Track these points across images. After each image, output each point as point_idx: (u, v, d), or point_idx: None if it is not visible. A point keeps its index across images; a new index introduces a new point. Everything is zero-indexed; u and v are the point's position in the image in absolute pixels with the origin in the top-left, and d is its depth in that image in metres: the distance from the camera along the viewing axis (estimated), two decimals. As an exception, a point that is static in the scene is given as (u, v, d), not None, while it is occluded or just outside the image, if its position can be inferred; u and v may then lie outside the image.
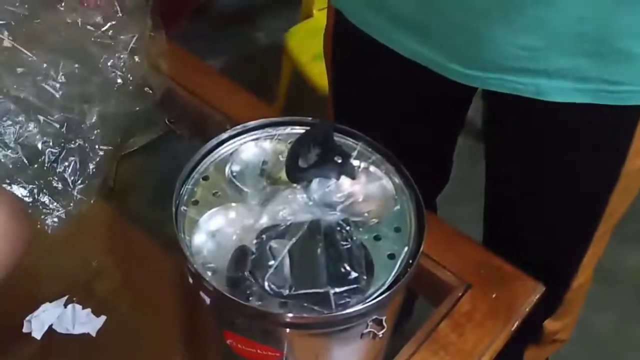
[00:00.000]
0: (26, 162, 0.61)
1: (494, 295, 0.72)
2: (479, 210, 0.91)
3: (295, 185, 0.59)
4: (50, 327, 0.69)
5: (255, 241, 0.55)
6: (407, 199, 0.62)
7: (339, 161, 0.60)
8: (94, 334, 0.69)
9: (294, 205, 0.57)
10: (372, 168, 0.63)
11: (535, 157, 0.76)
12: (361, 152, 0.63)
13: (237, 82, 0.88)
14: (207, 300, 0.57)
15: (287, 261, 0.55)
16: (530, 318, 0.72)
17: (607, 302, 1.37)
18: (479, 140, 1.61)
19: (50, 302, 0.70)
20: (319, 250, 0.55)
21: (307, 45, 1.48)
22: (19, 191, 0.61)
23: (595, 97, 0.65)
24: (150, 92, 0.69)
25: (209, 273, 0.56)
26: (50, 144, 0.61)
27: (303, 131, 0.64)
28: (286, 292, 0.54)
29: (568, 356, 1.06)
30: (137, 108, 0.67)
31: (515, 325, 0.71)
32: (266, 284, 0.54)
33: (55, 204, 0.62)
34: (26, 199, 0.61)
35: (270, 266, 0.54)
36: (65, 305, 0.70)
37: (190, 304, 0.63)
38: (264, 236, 0.55)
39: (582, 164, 0.73)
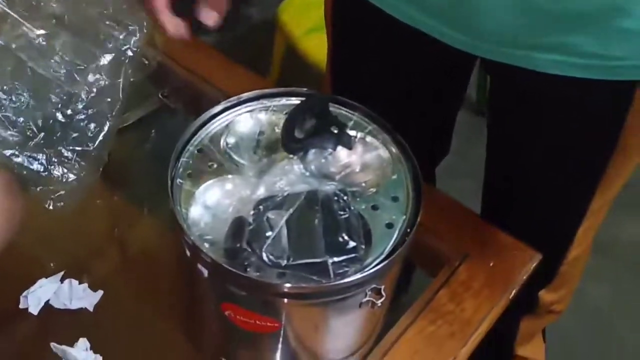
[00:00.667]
0: (36, 130, 0.60)
1: (491, 264, 0.72)
2: (476, 184, 0.91)
3: (291, 156, 0.59)
4: (47, 302, 0.69)
5: (252, 212, 0.55)
6: (404, 168, 0.61)
7: (335, 131, 0.59)
8: (91, 309, 0.69)
9: (291, 176, 0.56)
10: (368, 138, 0.63)
11: (532, 128, 0.76)
12: (357, 122, 0.63)
13: (231, 58, 0.87)
14: (205, 273, 0.57)
15: (284, 232, 0.54)
16: (525, 288, 0.72)
17: (603, 273, 1.38)
18: (476, 115, 1.62)
19: (47, 277, 0.70)
20: (316, 221, 0.55)
21: (301, 18, 1.46)
22: (29, 161, 0.61)
23: (591, 72, 0.65)
24: (147, 62, 0.68)
25: (206, 245, 0.56)
26: (59, 116, 0.61)
27: (298, 102, 0.63)
28: (284, 262, 0.54)
29: (564, 326, 1.07)
30: (132, 79, 0.66)
31: (513, 294, 0.71)
32: (264, 254, 0.54)
33: (66, 173, 0.61)
34: (38, 168, 0.61)
35: (268, 237, 0.54)
36: (62, 281, 0.69)
37: (188, 276, 0.63)
38: (261, 207, 0.55)
39: (578, 136, 0.73)
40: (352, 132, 0.61)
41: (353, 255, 0.54)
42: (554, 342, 1.10)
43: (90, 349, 0.65)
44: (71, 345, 0.65)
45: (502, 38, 0.65)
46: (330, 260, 0.54)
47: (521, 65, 0.67)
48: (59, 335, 0.66)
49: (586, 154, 0.74)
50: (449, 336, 0.67)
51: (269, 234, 0.54)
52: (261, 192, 0.56)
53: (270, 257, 0.54)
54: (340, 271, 0.54)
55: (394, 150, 0.63)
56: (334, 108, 0.64)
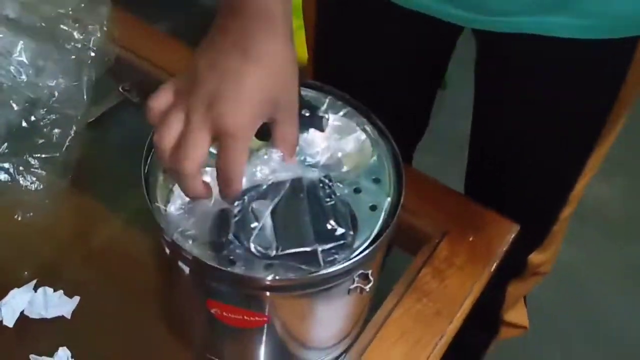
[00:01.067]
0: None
1: (470, 239, 0.72)
2: (441, 157, 0.91)
3: (267, 142, 0.58)
4: (21, 313, 0.66)
5: (236, 204, 0.53)
6: (383, 149, 0.61)
7: (307, 114, 0.58)
8: (68, 317, 0.66)
9: (271, 164, 0.55)
10: (344, 121, 0.61)
11: (528, 90, 0.75)
12: (332, 105, 0.62)
13: (187, 44, 0.84)
14: (186, 270, 0.56)
15: (269, 222, 0.53)
16: (515, 254, 0.72)
17: (575, 233, 1.40)
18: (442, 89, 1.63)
19: (19, 287, 0.67)
20: (302, 209, 0.53)
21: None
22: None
23: (595, 32, 0.64)
24: (107, 58, 0.66)
25: (190, 241, 0.54)
26: (23, 123, 0.58)
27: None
28: (273, 253, 0.52)
29: (539, 286, 1.07)
30: (89, 77, 0.63)
31: (494, 266, 0.71)
32: (252, 246, 0.52)
33: (34, 182, 0.59)
34: (5, 177, 0.58)
35: (254, 228, 0.53)
36: (35, 290, 0.67)
37: (169, 276, 0.61)
38: (245, 198, 0.53)
39: (577, 95, 0.73)
40: (327, 116, 0.60)
41: (342, 241, 0.53)
42: (530, 304, 1.11)
43: (72, 358, 0.63)
44: (51, 355, 0.63)
45: (506, 8, 0.64)
46: (319, 248, 0.52)
47: (528, 31, 0.65)
48: (38, 346, 0.64)
49: (585, 112, 0.74)
50: (435, 314, 0.67)
51: (254, 225, 0.53)
52: (243, 182, 0.55)
53: (259, 248, 0.52)
54: (330, 259, 0.53)
55: (370, 131, 0.62)
56: (306, 92, 0.62)
